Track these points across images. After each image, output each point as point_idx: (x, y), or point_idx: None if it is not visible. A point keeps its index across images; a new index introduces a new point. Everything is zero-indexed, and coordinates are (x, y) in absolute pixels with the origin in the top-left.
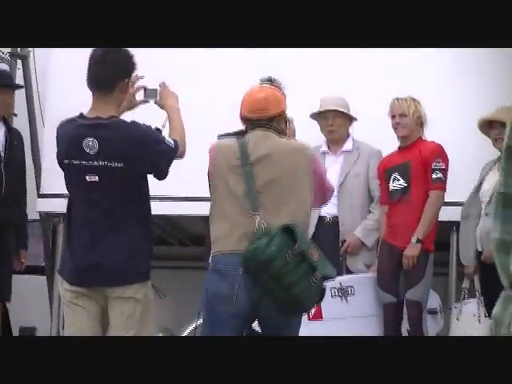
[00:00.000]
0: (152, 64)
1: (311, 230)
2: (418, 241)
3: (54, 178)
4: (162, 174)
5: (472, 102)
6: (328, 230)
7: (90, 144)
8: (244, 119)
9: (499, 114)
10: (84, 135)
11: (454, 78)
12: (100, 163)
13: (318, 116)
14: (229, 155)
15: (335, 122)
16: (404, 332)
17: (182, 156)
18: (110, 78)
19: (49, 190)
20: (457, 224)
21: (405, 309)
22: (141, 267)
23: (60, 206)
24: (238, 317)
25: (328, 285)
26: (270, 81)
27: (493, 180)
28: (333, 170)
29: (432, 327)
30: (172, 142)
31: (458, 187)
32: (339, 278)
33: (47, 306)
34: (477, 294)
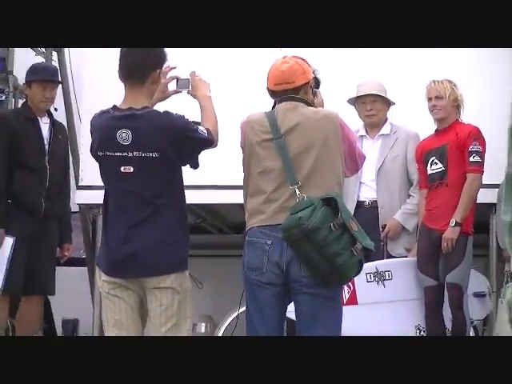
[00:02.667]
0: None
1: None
2: (457, 224)
3: (92, 170)
4: (195, 164)
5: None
6: (367, 214)
7: (124, 135)
8: (271, 92)
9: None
10: (117, 126)
11: (488, 61)
12: (134, 154)
13: (356, 101)
14: (259, 129)
15: (374, 106)
16: (446, 315)
17: (215, 145)
18: (141, 68)
19: (88, 181)
20: (496, 206)
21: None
22: (177, 256)
23: (99, 197)
24: (271, 285)
25: (363, 270)
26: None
27: None
28: (371, 154)
29: (479, 311)
30: (205, 131)
31: (497, 169)
32: (375, 263)
33: (89, 298)
34: (505, 276)
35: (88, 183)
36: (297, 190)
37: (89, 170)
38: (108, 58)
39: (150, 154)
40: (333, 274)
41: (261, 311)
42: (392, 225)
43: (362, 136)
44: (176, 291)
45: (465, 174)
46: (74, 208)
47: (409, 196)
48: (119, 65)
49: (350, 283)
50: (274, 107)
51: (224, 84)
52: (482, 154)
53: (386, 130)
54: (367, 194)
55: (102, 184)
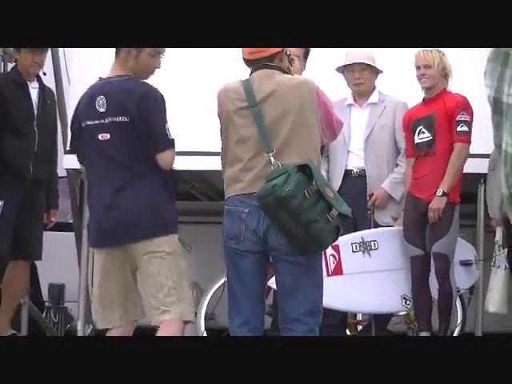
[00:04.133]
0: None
1: (338, 183)
2: (444, 193)
3: None
4: (160, 144)
5: None
6: (355, 183)
7: (101, 102)
8: (246, 61)
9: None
10: (96, 94)
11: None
12: (108, 120)
13: (345, 69)
14: (235, 97)
15: (362, 74)
16: (432, 284)
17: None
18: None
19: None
20: (484, 176)
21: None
22: (163, 220)
23: None
24: (250, 253)
25: (348, 239)
26: None
27: None
28: (359, 122)
29: (466, 279)
30: (169, 132)
31: (485, 139)
32: (361, 233)
33: (76, 263)
34: (496, 245)
35: None
36: (272, 158)
37: None
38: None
39: (121, 119)
40: (310, 242)
41: (241, 279)
42: (379, 194)
43: (350, 104)
44: (166, 254)
45: (452, 144)
46: (61, 173)
47: (396, 165)
48: None
49: (335, 253)
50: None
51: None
52: (469, 124)
53: (374, 98)
54: (355, 162)
55: None
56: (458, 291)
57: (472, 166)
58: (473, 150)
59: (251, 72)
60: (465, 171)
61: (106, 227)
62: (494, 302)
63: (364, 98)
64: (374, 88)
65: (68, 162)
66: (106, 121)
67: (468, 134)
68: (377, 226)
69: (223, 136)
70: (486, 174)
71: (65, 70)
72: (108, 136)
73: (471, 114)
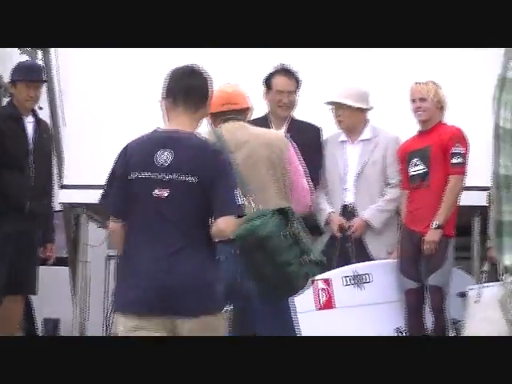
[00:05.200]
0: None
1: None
2: (439, 226)
3: (76, 169)
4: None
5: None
6: (351, 217)
7: (164, 156)
8: (214, 114)
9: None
10: (158, 147)
11: (474, 62)
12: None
13: (333, 107)
14: None
15: (343, 113)
16: (428, 317)
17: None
18: (201, 92)
19: (71, 180)
20: (480, 208)
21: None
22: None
23: (82, 196)
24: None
25: (340, 273)
26: None
27: None
28: (351, 159)
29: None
30: (239, 198)
31: (480, 172)
32: (354, 266)
33: (70, 297)
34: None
35: (71, 182)
36: (252, 201)
37: (72, 169)
38: (95, 59)
39: (187, 178)
40: (282, 285)
41: None
42: (357, 224)
43: (343, 141)
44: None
45: (447, 176)
46: (56, 207)
47: (383, 195)
48: (172, 84)
49: (326, 287)
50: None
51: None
52: (464, 156)
53: (366, 134)
54: (350, 198)
55: (87, 183)
56: (455, 323)
57: (467, 199)
58: (468, 182)
59: (215, 124)
60: (460, 203)
61: (157, 292)
62: (474, 332)
63: (356, 134)
64: (366, 123)
65: (63, 196)
66: (168, 177)
67: (463, 165)
68: (365, 259)
69: None
70: (482, 206)
71: (60, 105)
72: (166, 193)
73: (466, 145)
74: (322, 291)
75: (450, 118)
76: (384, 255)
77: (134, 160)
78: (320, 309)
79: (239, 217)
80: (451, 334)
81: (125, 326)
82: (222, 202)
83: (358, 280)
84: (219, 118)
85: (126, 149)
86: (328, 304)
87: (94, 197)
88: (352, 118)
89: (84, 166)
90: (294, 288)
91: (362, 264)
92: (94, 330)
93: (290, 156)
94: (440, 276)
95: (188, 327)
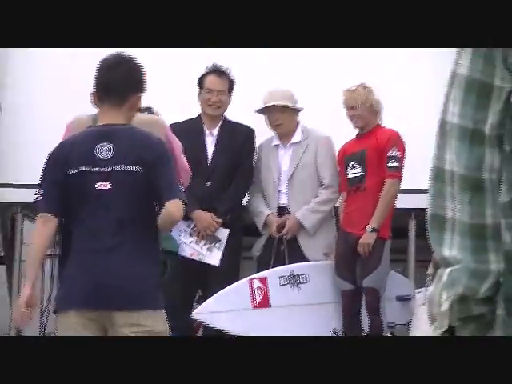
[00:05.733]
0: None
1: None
2: (374, 229)
3: (11, 167)
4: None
5: (428, 85)
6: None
7: (104, 149)
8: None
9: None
10: (97, 141)
11: (406, 64)
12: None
13: (265, 111)
14: (81, 128)
15: (282, 116)
16: (364, 319)
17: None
18: (122, 88)
19: (6, 179)
20: (415, 211)
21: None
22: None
23: (19, 195)
24: None
25: (276, 272)
26: None
27: None
28: (284, 162)
29: (403, 314)
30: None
31: (416, 174)
32: (290, 266)
33: (6, 299)
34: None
35: (7, 181)
36: None
37: (9, 168)
38: (36, 53)
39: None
40: None
41: None
42: (290, 224)
43: (276, 145)
44: (148, 331)
45: (383, 180)
46: None
47: (316, 196)
48: (96, 79)
49: (262, 286)
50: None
51: None
52: (400, 160)
53: (297, 137)
54: (285, 200)
55: (24, 182)
56: (393, 326)
57: (403, 201)
58: (404, 185)
59: None
60: (397, 206)
61: (99, 287)
62: (421, 332)
63: (287, 137)
64: (297, 125)
65: None
66: (110, 169)
67: (398, 169)
68: (301, 260)
69: None
70: (417, 209)
71: None
72: (108, 186)
73: (403, 149)
74: (258, 290)
75: (386, 121)
76: (320, 257)
77: (74, 155)
78: (255, 307)
79: (184, 203)
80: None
81: (63, 323)
82: (169, 187)
83: (295, 280)
84: None
85: (61, 146)
86: (264, 303)
87: (29, 195)
88: (290, 120)
89: (20, 164)
90: None
91: (298, 264)
92: (31, 329)
93: (167, 134)
94: (375, 278)
95: (123, 322)
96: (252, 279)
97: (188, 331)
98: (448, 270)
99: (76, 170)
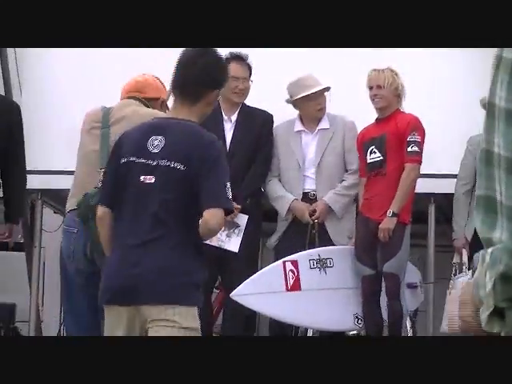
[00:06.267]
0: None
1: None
2: (394, 214)
3: (33, 154)
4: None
5: (451, 72)
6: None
7: (156, 143)
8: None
9: None
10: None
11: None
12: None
13: (304, 98)
14: (92, 119)
15: (322, 100)
16: (383, 304)
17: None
18: (195, 85)
19: (28, 165)
20: (435, 196)
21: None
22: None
23: (38, 182)
24: (81, 273)
25: (307, 255)
26: None
27: None
28: (310, 148)
29: (412, 301)
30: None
31: (436, 159)
32: (318, 250)
33: (26, 283)
34: (454, 267)
35: (29, 167)
36: (102, 173)
37: (30, 154)
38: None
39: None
40: None
41: (71, 297)
42: (320, 207)
43: (300, 131)
44: (179, 328)
45: (403, 164)
46: None
47: (342, 180)
48: (173, 75)
49: (294, 269)
50: None
51: None
52: (420, 145)
53: (324, 124)
54: (311, 185)
55: (45, 168)
56: (409, 312)
57: (423, 186)
58: (424, 169)
59: None
60: (416, 191)
61: (126, 284)
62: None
63: (314, 123)
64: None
65: None
66: (154, 163)
67: (419, 154)
68: (329, 243)
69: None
70: (437, 194)
71: (18, 89)
72: (153, 179)
73: (423, 134)
74: (291, 272)
75: (407, 107)
76: (344, 240)
77: (128, 145)
78: (288, 290)
79: (228, 212)
80: (407, 321)
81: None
82: (211, 194)
83: (322, 264)
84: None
85: (120, 136)
86: (295, 286)
87: (49, 182)
88: (325, 104)
89: (43, 151)
90: None
91: (324, 248)
92: (48, 316)
93: None
94: (395, 263)
95: (154, 315)
96: (285, 262)
97: (208, 317)
98: (489, 250)
99: (125, 160)
